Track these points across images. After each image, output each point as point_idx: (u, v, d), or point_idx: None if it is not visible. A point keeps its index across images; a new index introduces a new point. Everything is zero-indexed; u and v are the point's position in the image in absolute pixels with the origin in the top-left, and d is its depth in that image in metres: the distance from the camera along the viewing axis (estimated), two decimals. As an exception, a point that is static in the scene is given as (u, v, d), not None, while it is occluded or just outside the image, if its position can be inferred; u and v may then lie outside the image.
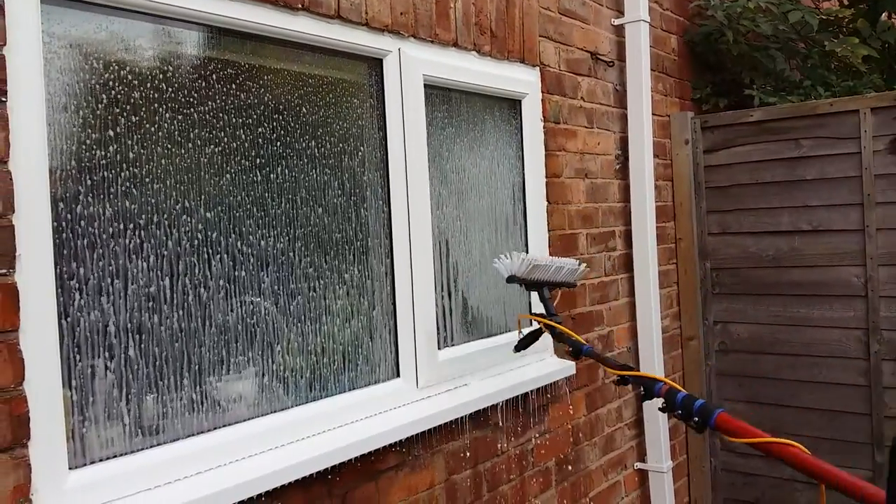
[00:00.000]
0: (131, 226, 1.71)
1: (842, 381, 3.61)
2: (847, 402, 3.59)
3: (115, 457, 1.66)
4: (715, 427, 1.64)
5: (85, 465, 1.60)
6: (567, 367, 2.97)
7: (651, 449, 3.54)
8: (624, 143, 3.51)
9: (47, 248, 1.50)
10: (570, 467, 3.07)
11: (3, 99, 1.43)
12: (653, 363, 3.47)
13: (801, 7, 3.98)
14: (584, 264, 2.47)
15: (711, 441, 4.00)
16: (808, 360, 3.70)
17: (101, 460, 1.63)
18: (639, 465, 3.55)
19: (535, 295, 2.98)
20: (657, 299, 3.51)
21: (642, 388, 1.85)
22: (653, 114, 3.53)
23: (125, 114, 1.70)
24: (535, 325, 2.39)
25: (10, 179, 1.43)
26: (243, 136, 1.95)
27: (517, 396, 2.74)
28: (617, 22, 3.45)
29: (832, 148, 3.59)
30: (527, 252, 2.84)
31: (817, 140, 3.62)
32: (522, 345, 2.38)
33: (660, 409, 1.79)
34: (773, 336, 3.80)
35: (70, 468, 1.55)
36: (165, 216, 1.77)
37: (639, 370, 2.12)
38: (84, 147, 1.63)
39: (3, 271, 1.42)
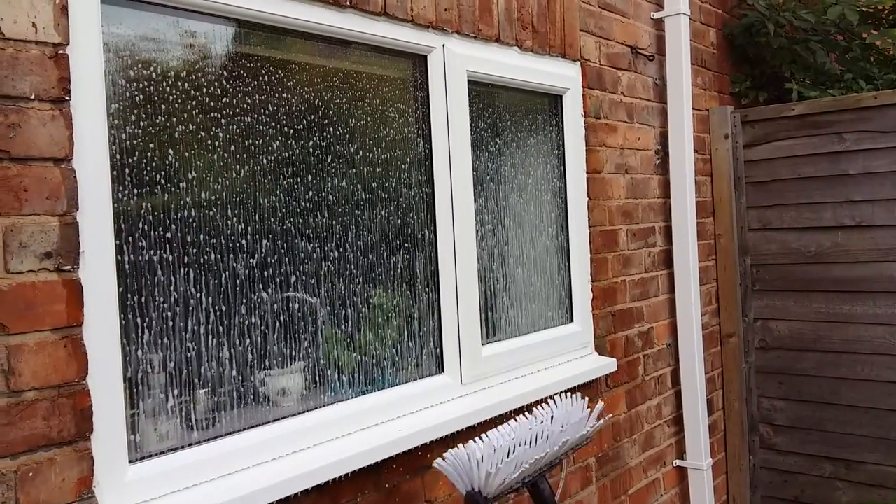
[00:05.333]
0: (186, 228, 1.73)
1: (886, 378, 3.55)
2: (891, 400, 3.53)
3: (172, 451, 1.68)
4: None
5: (144, 458, 1.63)
6: (608, 364, 2.96)
7: (691, 446, 3.51)
8: (664, 138, 3.48)
9: (109, 244, 1.52)
10: (610, 464, 3.06)
11: (67, 98, 1.45)
12: (693, 360, 3.45)
13: (840, 0, 3.91)
14: (592, 408, 1.59)
15: (751, 439, 3.96)
16: (851, 357, 3.64)
17: (158, 454, 1.66)
18: (678, 462, 3.53)
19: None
20: (697, 296, 3.48)
21: None
22: (692, 108, 3.49)
23: (177, 112, 1.73)
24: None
25: (74, 177, 1.46)
26: (286, 135, 1.97)
27: (558, 393, 2.73)
28: (657, 15, 3.42)
29: (877, 142, 3.52)
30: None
31: (861, 134, 3.56)
32: None
33: None
34: (814, 333, 3.74)
35: (130, 462, 1.58)
36: (219, 213, 1.79)
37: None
38: (141, 145, 1.65)
39: (68, 267, 1.45)
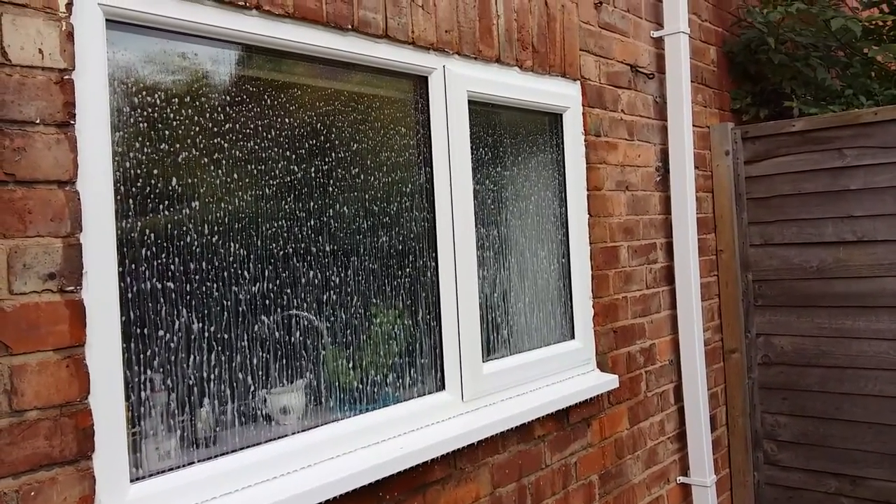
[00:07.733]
0: (187, 248, 1.75)
1: (889, 393, 3.54)
2: (895, 416, 3.52)
3: (172, 469, 1.69)
4: None
5: (144, 477, 1.64)
6: (610, 380, 2.96)
7: (694, 463, 3.50)
8: (664, 155, 3.50)
9: (112, 265, 1.54)
10: (612, 481, 3.06)
11: (72, 122, 1.48)
12: (695, 376, 3.44)
13: (842, 14, 3.94)
14: None
15: (755, 455, 3.94)
16: (855, 372, 3.63)
17: (159, 473, 1.67)
18: (682, 479, 3.52)
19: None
20: (699, 312, 3.48)
21: None
22: (692, 125, 3.51)
23: (180, 137, 1.75)
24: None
25: (78, 199, 1.48)
26: (288, 158, 1.99)
27: (560, 410, 2.73)
28: (656, 34, 3.44)
29: (877, 157, 3.54)
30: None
31: (862, 149, 3.57)
32: None
33: None
34: (817, 348, 3.74)
35: (131, 481, 1.59)
36: (220, 232, 1.82)
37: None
38: (145, 168, 1.68)
39: (71, 288, 1.47)
